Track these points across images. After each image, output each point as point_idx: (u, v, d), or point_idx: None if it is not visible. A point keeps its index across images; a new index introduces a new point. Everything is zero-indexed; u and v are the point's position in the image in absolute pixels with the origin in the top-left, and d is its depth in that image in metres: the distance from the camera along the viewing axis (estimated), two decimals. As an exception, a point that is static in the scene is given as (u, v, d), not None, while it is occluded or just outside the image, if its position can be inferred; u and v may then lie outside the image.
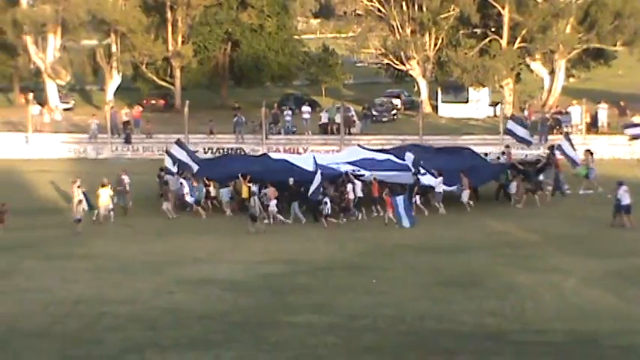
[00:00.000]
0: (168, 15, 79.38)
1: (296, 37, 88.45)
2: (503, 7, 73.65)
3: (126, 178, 44.20)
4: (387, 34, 79.28)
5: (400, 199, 40.02)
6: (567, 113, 65.57)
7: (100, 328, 25.45)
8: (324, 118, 68.16)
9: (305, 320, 25.93)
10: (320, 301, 27.82)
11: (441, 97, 77.23)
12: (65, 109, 78.45)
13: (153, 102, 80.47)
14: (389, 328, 25.15)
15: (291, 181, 41.76)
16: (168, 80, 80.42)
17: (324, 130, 67.18)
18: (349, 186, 41.53)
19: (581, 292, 28.70)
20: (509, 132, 51.55)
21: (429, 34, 77.17)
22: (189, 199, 43.04)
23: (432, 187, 42.67)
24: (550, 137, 60.72)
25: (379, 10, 78.15)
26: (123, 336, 24.54)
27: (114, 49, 79.03)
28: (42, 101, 76.97)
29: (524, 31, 73.20)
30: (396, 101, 77.90)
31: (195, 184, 43.59)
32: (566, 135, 52.04)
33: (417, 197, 41.86)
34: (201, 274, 31.72)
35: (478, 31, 76.50)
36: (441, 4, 75.39)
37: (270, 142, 62.35)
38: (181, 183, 43.57)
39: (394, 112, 75.31)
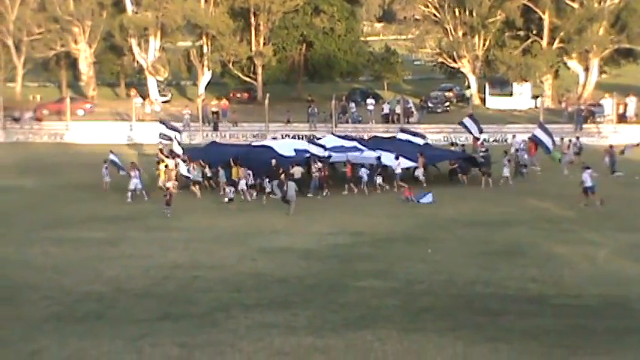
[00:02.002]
0: (252, 20, 79.41)
1: (362, 39, 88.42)
2: (543, 12, 73.27)
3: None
4: (442, 36, 78.76)
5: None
6: (600, 105, 64.73)
7: (193, 289, 25.56)
8: (386, 109, 67.96)
9: (369, 284, 25.79)
10: (382, 268, 27.69)
11: (489, 91, 76.50)
12: (163, 102, 79.23)
13: (238, 95, 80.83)
14: (442, 292, 24.94)
15: (273, 162, 41.73)
16: (252, 76, 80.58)
17: (385, 119, 66.95)
18: (313, 166, 42.14)
19: (612, 262, 28.26)
20: (461, 125, 51.14)
21: (479, 36, 76.45)
22: (187, 174, 42.19)
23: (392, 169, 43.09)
24: (585, 126, 60.12)
25: (435, 15, 77.71)
26: (212, 296, 24.62)
27: (205, 49, 79.48)
28: (144, 95, 77.98)
29: (562, 33, 72.67)
30: (449, 94, 77.29)
31: (193, 165, 42.73)
32: (541, 124, 50.49)
33: (380, 177, 42.47)
34: (279, 243, 31.76)
35: (521, 33, 76.02)
36: (489, 9, 74.65)
37: (338, 130, 61.99)
38: (177, 164, 42.88)
39: (447, 104, 74.83)
